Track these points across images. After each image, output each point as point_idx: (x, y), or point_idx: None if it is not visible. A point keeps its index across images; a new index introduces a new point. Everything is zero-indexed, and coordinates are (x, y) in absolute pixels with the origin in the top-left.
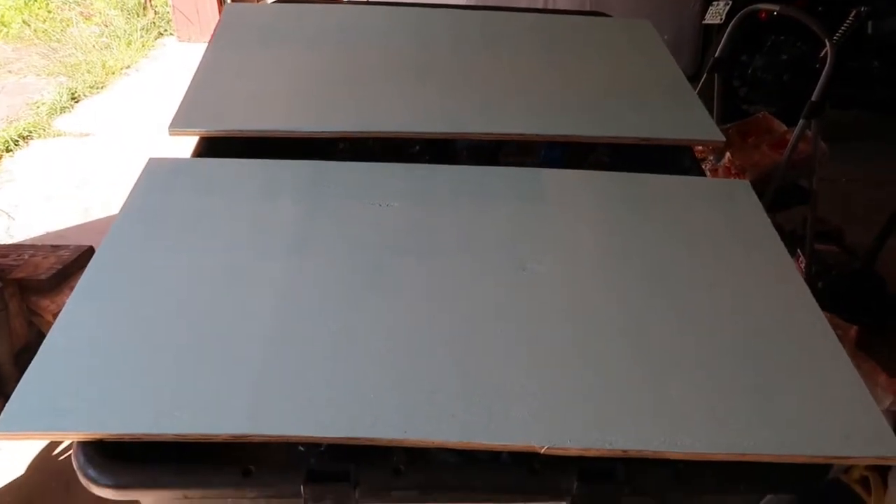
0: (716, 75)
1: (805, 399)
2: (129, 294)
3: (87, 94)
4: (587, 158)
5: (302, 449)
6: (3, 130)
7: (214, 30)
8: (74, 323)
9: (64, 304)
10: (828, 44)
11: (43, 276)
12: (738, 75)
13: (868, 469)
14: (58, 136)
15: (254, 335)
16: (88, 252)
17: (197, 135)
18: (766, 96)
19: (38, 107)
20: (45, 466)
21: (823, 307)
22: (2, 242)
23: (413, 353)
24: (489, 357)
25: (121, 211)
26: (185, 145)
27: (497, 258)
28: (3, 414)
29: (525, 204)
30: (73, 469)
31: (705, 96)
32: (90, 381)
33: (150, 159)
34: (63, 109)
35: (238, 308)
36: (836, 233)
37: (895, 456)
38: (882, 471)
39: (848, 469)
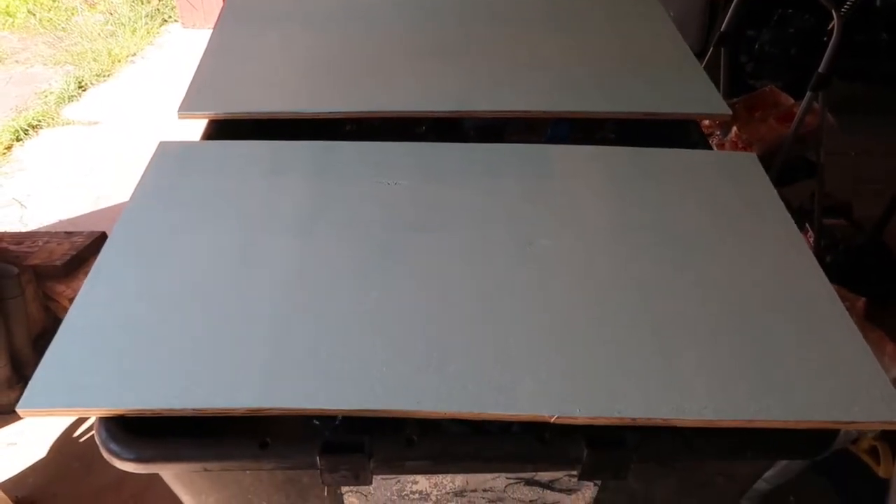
0: (722, 49)
1: (812, 366)
2: (144, 274)
3: (94, 82)
4: (594, 136)
5: (317, 423)
6: (13, 120)
7: (220, 14)
8: (92, 303)
9: (79, 289)
10: (835, 16)
11: (58, 262)
12: (745, 50)
13: (877, 439)
14: (67, 124)
15: (267, 311)
16: (101, 238)
17: (206, 118)
18: (773, 71)
19: (46, 96)
20: (67, 448)
21: (832, 280)
22: (16, 230)
23: (424, 327)
24: (499, 330)
25: (133, 194)
26: (193, 130)
27: (506, 233)
28: (26, 391)
29: (533, 179)
30: (95, 450)
31: (711, 71)
32: (110, 359)
33: (161, 142)
34: (71, 98)
35: (251, 285)
36: (844, 207)
37: None
38: (891, 440)
39: (856, 439)
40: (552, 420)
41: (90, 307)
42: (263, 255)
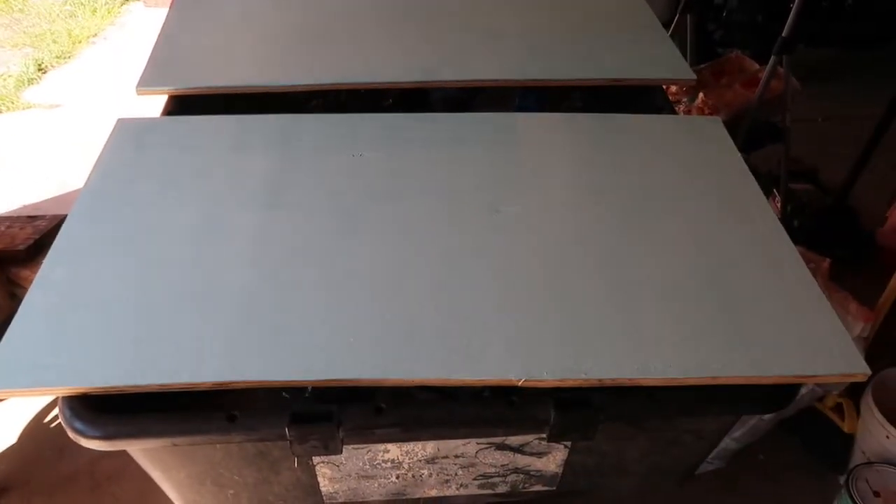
0: (688, 17)
1: (774, 323)
2: (106, 251)
3: (54, 64)
4: (561, 106)
5: (286, 395)
6: None
7: None
8: (52, 282)
9: None
10: None
11: (21, 247)
12: (713, 18)
13: (841, 396)
14: (27, 108)
15: (233, 285)
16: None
17: (166, 93)
18: (741, 38)
19: (4, 79)
20: (38, 434)
21: (799, 244)
22: None
23: (391, 295)
24: (466, 296)
25: (92, 172)
26: (155, 110)
27: (471, 201)
28: None
29: (498, 147)
30: (66, 435)
31: (678, 39)
32: (71, 337)
33: (119, 120)
34: (31, 81)
35: (216, 259)
36: (811, 171)
37: (860, 373)
38: (854, 397)
39: (822, 397)
40: (519, 383)
41: (50, 286)
42: (228, 228)
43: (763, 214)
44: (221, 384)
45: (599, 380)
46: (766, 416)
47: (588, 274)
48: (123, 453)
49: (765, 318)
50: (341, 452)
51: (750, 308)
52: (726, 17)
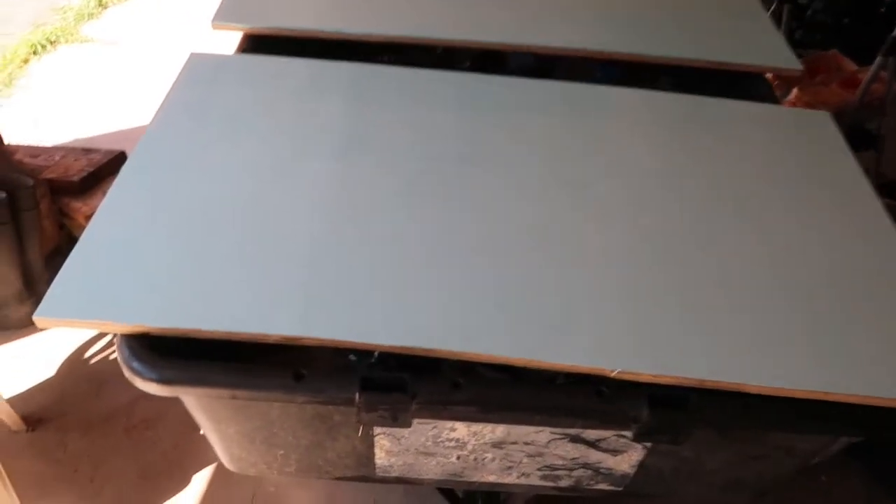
0: (784, 7)
1: (892, 343)
2: (173, 187)
3: (114, 1)
4: (647, 86)
5: (353, 358)
6: (30, 34)
7: None
8: (118, 214)
9: (96, 206)
10: None
11: (74, 178)
12: (796, 16)
13: None
14: (85, 42)
15: (303, 235)
16: (120, 157)
17: (240, 30)
18: (822, 39)
19: (65, 12)
20: (77, 369)
21: None
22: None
23: (475, 264)
24: (556, 273)
25: (161, 105)
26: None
27: (557, 173)
28: (44, 300)
29: (582, 120)
30: (104, 373)
31: None
32: (135, 274)
33: (192, 54)
34: (91, 16)
35: (285, 206)
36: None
37: None
38: None
39: None
40: (612, 374)
41: (115, 218)
42: (300, 174)
43: (880, 222)
44: (291, 339)
45: (700, 380)
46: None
47: (691, 265)
48: (164, 398)
49: (887, 333)
50: (409, 426)
51: (871, 320)
52: (810, 17)
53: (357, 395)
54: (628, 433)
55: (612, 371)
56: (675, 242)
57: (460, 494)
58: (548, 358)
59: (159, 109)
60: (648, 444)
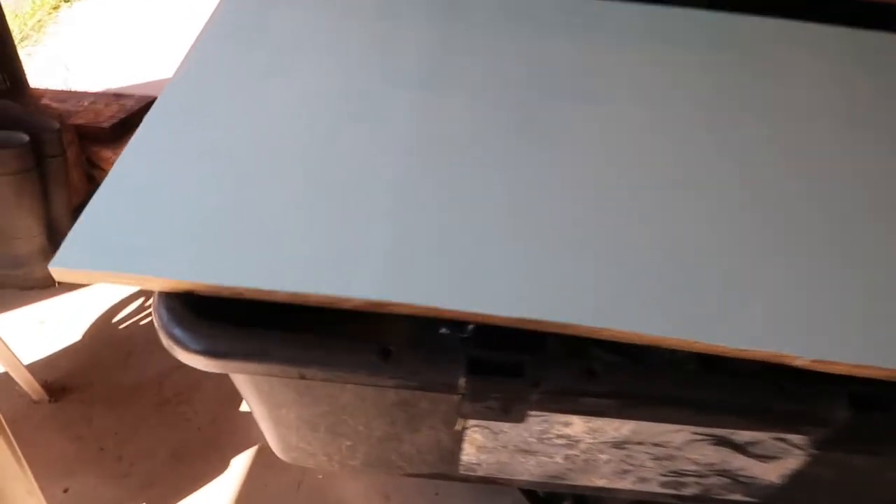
0: None
1: None
2: (222, 122)
3: None
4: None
5: (445, 331)
6: None
7: None
8: (153, 150)
9: None
10: None
11: (105, 125)
12: None
13: None
14: None
15: (383, 182)
16: (154, 103)
17: None
18: None
19: None
20: (104, 335)
21: None
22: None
23: (605, 219)
24: (709, 236)
25: (204, 27)
26: None
27: (691, 116)
28: (62, 247)
29: (723, 56)
30: (134, 341)
31: None
32: (178, 220)
33: None
34: None
35: (361, 146)
36: None
37: None
38: None
39: None
40: (798, 363)
41: (150, 155)
42: (375, 109)
43: None
44: (378, 304)
45: None
46: None
47: (880, 235)
48: (199, 372)
49: None
50: (524, 420)
51: None
52: None
53: (462, 380)
54: (796, 437)
55: (797, 358)
56: (854, 205)
57: (541, 493)
58: (712, 340)
59: (202, 31)
60: (815, 451)
